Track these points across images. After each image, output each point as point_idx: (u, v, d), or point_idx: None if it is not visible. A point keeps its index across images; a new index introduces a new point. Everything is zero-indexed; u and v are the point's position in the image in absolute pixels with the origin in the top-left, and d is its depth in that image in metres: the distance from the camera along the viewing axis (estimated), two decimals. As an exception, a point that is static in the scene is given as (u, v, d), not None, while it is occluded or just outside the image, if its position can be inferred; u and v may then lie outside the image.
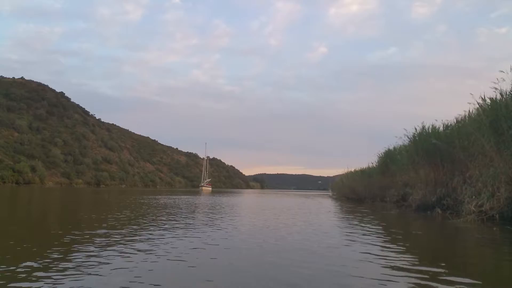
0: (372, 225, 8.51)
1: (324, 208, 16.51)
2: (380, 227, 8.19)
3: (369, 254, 4.69)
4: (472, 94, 10.21)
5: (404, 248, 5.28)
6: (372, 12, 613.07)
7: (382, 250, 5.02)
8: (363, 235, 6.57)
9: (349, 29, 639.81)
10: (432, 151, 12.87)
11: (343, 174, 33.42)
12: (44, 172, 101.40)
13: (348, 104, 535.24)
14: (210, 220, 9.06)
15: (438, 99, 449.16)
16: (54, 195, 27.93)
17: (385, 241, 5.85)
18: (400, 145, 21.27)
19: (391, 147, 22.19)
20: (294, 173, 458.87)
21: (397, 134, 16.63)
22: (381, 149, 23.12)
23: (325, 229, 7.59)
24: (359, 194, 23.32)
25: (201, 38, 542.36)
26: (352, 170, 29.89)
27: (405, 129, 14.89)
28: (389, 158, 20.80)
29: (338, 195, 32.63)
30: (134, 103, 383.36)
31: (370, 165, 26.33)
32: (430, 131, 13.52)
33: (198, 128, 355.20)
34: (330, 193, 63.53)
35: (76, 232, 6.22)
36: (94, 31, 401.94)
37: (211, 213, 11.80)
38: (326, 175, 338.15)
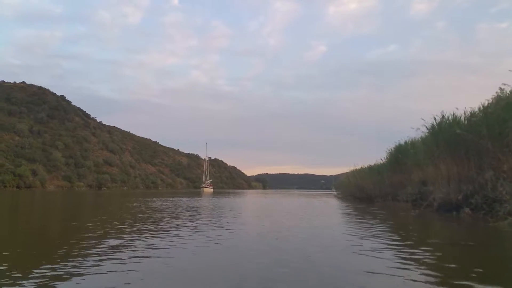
0: (401, 232, 7.05)
1: (333, 209, 15.03)
2: (413, 236, 6.63)
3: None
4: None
5: (476, 274, 3.81)
6: (371, 10, 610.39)
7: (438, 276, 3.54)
8: (399, 249, 5.08)
9: (348, 27, 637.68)
10: (455, 142, 11.35)
11: (349, 172, 31.88)
12: (45, 176, 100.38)
13: (348, 102, 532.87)
14: (209, 230, 7.57)
15: (438, 96, 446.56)
16: (53, 199, 26.60)
17: (436, 260, 4.34)
18: (412, 139, 19.90)
19: (402, 141, 20.83)
20: (296, 172, 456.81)
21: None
22: (384, 145, 21.79)
23: (346, 241, 6.07)
24: (368, 193, 21.77)
25: (200, 40, 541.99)
26: (359, 167, 28.41)
27: (423, 119, 13.36)
28: (400, 153, 19.30)
29: (344, 194, 31.05)
30: (135, 105, 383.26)
31: (378, 161, 24.92)
32: (451, 121, 11.99)
33: (199, 129, 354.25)
34: (334, 192, 62.07)
35: (78, 239, 5.98)
36: (94, 34, 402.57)
37: (210, 219, 10.33)
38: (328, 174, 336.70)
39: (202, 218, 10.08)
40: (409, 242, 5.62)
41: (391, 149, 21.87)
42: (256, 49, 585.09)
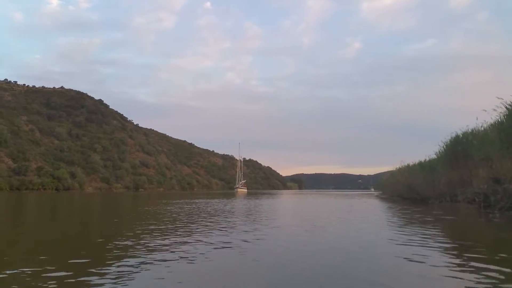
0: None
1: (387, 214, 12.55)
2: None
3: None
4: None
5: None
6: (407, 4, 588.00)
7: None
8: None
9: (384, 22, 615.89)
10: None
11: (394, 170, 29.09)
12: (83, 178, 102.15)
13: (386, 100, 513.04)
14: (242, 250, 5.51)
15: (481, 91, 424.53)
16: (93, 201, 25.84)
17: None
18: (473, 129, 17.14)
19: (459, 132, 18.08)
20: (332, 172, 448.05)
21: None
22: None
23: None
24: (420, 193, 19.00)
25: (234, 41, 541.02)
26: (405, 164, 25.62)
27: (499, 98, 10.69)
28: (460, 146, 16.54)
29: (389, 194, 28.00)
30: (171, 108, 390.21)
31: (428, 157, 22.16)
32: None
33: (234, 130, 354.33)
34: (374, 192, 58.57)
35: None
36: (131, 40, 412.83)
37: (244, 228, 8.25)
38: (366, 174, 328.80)
39: (223, 226, 7.99)
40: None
41: (446, 142, 19.12)
42: (290, 49, 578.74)
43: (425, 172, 19.74)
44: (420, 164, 21.34)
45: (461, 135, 17.71)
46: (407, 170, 22.52)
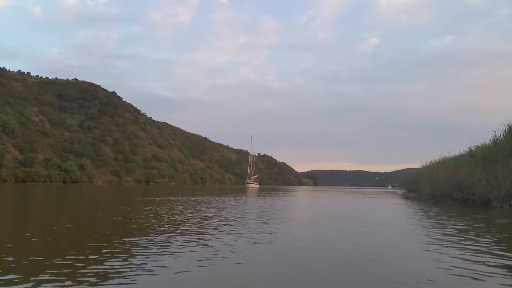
0: None
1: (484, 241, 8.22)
2: None
3: None
4: None
5: None
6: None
7: None
8: None
9: (401, 18, 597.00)
10: None
11: (430, 164, 24.53)
12: (92, 171, 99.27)
13: (404, 96, 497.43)
14: None
15: (502, 88, 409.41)
16: (90, 195, 22.11)
17: None
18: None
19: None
20: (348, 169, 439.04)
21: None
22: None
23: None
24: (478, 193, 14.41)
25: (249, 36, 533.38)
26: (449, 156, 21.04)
27: None
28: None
29: (426, 194, 22.92)
30: (187, 102, 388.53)
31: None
32: None
33: (249, 125, 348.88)
34: (397, 190, 53.77)
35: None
36: (147, 34, 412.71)
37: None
38: (383, 171, 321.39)
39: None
40: None
41: (510, 124, 14.61)
42: (306, 44, 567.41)
43: (480, 165, 15.18)
44: (471, 153, 16.70)
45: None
46: (455, 163, 17.83)
